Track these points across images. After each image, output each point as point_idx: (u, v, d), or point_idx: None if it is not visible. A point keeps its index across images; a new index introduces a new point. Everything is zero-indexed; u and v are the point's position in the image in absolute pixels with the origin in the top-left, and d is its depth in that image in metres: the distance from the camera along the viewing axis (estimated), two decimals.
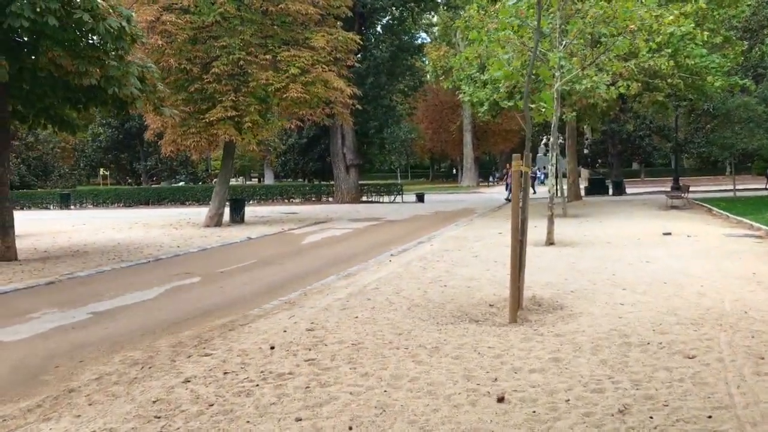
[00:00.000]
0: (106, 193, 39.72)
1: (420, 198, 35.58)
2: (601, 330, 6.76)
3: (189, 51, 20.34)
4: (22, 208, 37.39)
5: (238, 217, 22.57)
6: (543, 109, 7.86)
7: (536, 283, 9.53)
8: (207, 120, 20.30)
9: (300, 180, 42.31)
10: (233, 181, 77.49)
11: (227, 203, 22.78)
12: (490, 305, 8.22)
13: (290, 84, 20.33)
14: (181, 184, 46.81)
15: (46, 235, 20.08)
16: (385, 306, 8.28)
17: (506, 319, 7.38)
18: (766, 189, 32.55)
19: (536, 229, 17.18)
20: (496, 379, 5.28)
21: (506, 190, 33.99)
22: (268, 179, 57.34)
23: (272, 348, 6.42)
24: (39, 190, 41.81)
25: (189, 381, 5.47)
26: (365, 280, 10.36)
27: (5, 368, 6.21)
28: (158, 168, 42.56)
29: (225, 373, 5.65)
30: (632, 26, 12.43)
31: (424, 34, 59.27)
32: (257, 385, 5.29)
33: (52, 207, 37.17)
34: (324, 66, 20.90)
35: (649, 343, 6.19)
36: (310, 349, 6.32)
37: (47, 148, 47.20)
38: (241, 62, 20.22)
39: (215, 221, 21.45)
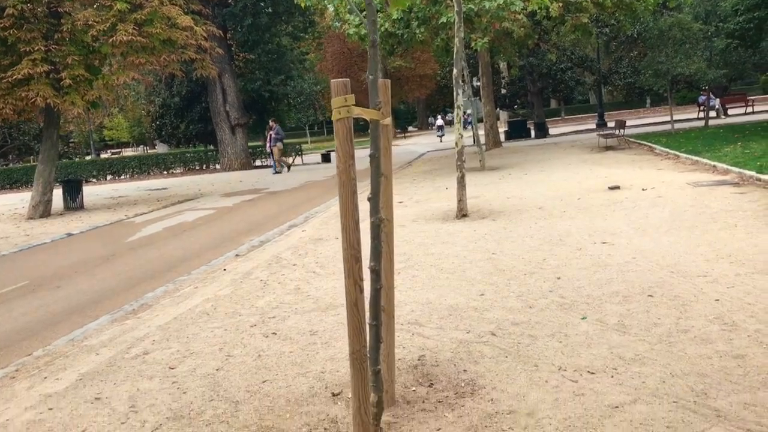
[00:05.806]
0: None
1: (326, 158, 30.97)
2: None
3: None
4: None
5: (74, 203, 17.50)
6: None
7: (434, 312, 5.50)
8: (10, 79, 15.21)
9: (184, 146, 36.80)
10: (130, 151, 70.41)
11: (59, 185, 17.84)
12: (334, 394, 4.11)
13: (119, 24, 15.42)
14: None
15: None
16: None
17: None
18: (698, 118, 29.62)
19: (447, 192, 13.27)
20: None
21: (271, 159, 27.03)
22: (162, 147, 51.48)
23: None
24: None
25: None
26: (145, 329, 6.05)
27: None
28: (8, 144, 36.01)
29: None
30: None
31: None
32: None
33: None
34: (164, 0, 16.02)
35: None
36: None
37: None
38: None
39: (40, 211, 16.43)
